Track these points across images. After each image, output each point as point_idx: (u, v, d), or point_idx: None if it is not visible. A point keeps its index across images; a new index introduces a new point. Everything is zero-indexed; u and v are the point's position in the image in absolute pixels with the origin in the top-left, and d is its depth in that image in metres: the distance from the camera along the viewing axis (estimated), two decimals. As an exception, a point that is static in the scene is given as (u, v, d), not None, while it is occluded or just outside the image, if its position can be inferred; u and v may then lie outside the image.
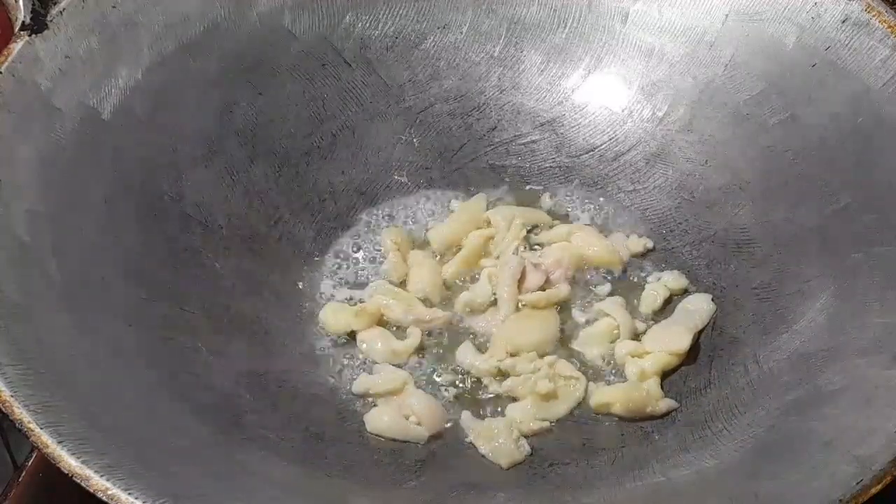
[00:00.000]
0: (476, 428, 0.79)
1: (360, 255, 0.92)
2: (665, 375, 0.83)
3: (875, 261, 0.79)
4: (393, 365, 0.84)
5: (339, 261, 0.91)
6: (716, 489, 0.70)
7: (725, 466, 0.72)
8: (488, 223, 0.93)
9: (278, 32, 0.94)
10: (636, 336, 0.85)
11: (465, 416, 0.80)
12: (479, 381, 0.83)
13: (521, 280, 0.88)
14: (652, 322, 0.87)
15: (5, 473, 0.85)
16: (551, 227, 0.93)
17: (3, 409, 0.64)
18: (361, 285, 0.90)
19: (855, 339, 0.76)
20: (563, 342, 0.86)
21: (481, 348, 0.85)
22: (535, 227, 0.93)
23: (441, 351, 0.86)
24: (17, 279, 0.72)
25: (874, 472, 0.63)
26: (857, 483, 0.63)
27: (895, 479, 0.64)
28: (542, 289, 0.87)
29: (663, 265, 0.91)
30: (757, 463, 0.70)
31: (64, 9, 0.83)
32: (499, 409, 0.82)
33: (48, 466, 0.70)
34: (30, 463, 0.83)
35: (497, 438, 0.78)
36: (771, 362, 0.79)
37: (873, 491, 0.63)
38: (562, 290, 0.88)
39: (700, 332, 0.85)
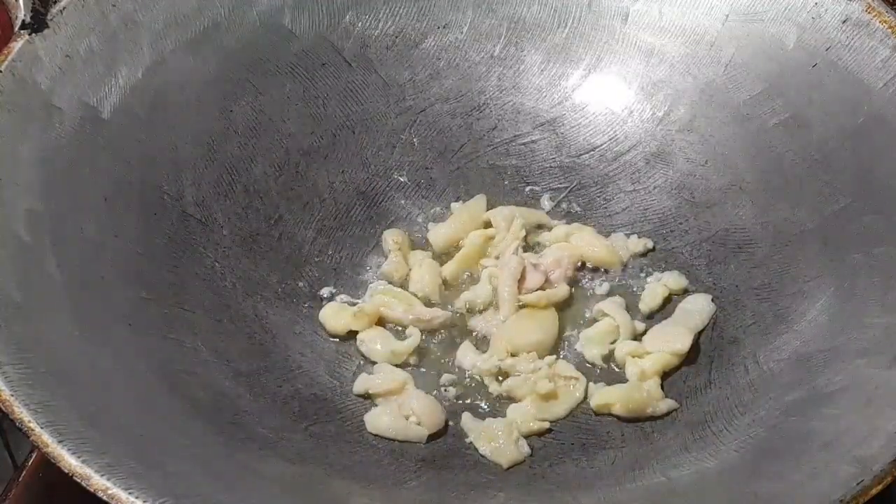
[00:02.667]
0: (476, 428, 0.79)
1: (360, 254, 0.91)
2: (665, 375, 0.83)
3: (875, 261, 0.79)
4: (393, 365, 0.84)
5: (339, 261, 0.91)
6: (716, 489, 0.70)
7: (726, 466, 0.72)
8: (488, 223, 0.93)
9: (278, 31, 0.94)
10: (636, 336, 0.85)
11: (466, 416, 0.80)
12: (479, 380, 0.83)
13: (521, 280, 0.88)
14: (652, 322, 0.87)
15: (5, 473, 0.86)
16: (551, 227, 0.93)
17: (4, 409, 0.64)
18: (362, 285, 0.90)
19: (855, 339, 0.76)
20: (562, 342, 0.86)
21: (481, 348, 0.85)
22: (535, 227, 0.93)
23: (441, 351, 0.86)
24: (18, 278, 0.72)
25: (874, 473, 0.63)
26: (858, 483, 0.63)
27: (895, 480, 0.64)
28: (542, 289, 0.87)
29: (663, 265, 0.90)
30: (757, 463, 0.70)
31: (64, 8, 0.83)
32: (499, 407, 0.82)
33: (48, 466, 0.70)
34: (30, 463, 0.83)
35: (497, 438, 0.78)
36: (771, 362, 0.79)
37: (873, 491, 0.63)
38: (561, 290, 0.88)
39: (700, 332, 0.84)
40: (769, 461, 0.70)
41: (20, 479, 0.82)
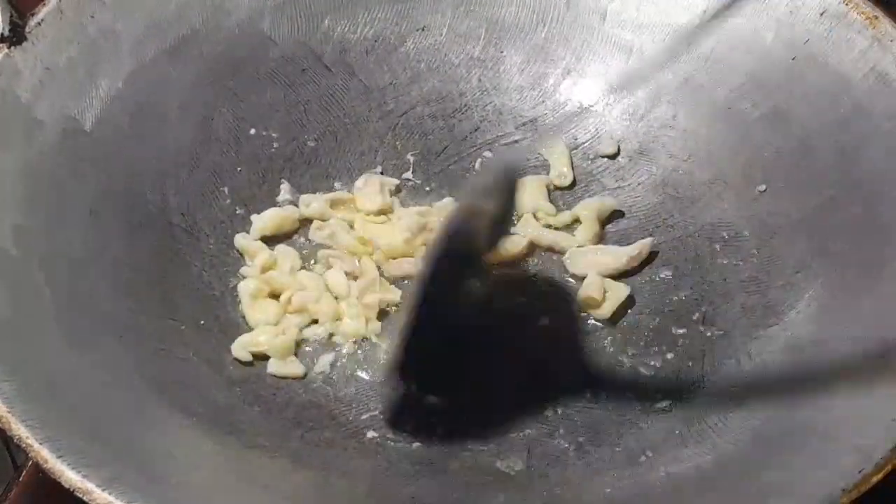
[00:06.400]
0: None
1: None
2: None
3: (861, 250, 0.80)
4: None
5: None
6: (716, 483, 0.70)
7: (725, 460, 0.72)
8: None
9: (257, 38, 0.94)
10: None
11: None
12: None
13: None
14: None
15: (5, 473, 0.85)
16: None
17: (1, 425, 0.63)
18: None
19: (845, 328, 0.76)
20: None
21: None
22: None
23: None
24: (7, 294, 0.71)
25: (875, 461, 0.64)
26: (860, 472, 0.63)
27: (896, 468, 0.64)
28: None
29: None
30: (756, 455, 0.71)
31: (42, 20, 0.83)
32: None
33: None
34: (30, 463, 0.82)
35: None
36: (763, 354, 0.79)
37: (874, 479, 0.63)
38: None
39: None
40: (768, 453, 0.70)
41: (20, 479, 0.82)
